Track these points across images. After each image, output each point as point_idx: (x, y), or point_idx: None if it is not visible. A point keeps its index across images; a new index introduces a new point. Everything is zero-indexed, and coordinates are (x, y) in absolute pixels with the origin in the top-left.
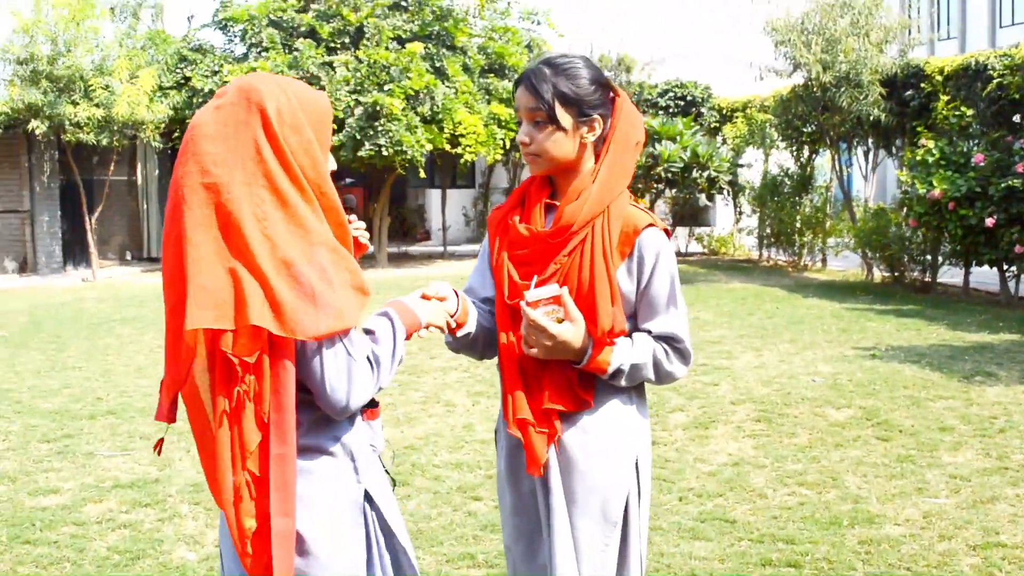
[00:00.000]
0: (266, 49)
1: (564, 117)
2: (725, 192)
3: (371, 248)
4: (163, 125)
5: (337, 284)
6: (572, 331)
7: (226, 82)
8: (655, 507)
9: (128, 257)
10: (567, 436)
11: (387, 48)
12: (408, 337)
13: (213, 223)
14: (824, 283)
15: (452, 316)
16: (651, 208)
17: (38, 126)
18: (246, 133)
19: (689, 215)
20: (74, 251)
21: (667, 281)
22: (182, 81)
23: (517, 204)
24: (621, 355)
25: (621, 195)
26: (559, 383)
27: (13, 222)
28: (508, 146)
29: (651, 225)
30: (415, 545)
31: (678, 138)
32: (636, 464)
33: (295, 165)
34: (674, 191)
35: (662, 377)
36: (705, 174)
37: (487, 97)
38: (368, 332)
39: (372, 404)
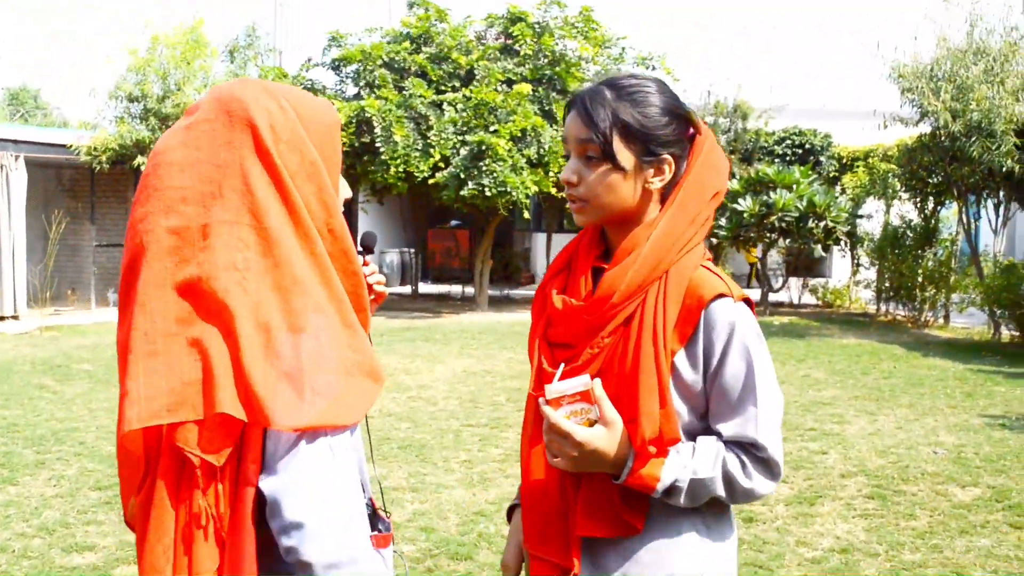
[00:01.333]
0: (379, 87)
1: (624, 154)
2: (842, 243)
3: (387, 294)
4: None
5: (334, 363)
6: (605, 437)
7: None
8: None
9: None
10: (612, 567)
11: (495, 89)
12: None
13: (179, 280)
14: (947, 341)
15: None
16: (763, 258)
17: (143, 163)
18: (228, 156)
19: (803, 266)
20: None
21: (742, 369)
22: None
23: (562, 268)
24: (676, 468)
25: (686, 256)
26: (596, 503)
27: (117, 255)
28: None
29: (721, 295)
30: None
31: (794, 186)
32: None
33: (295, 195)
34: (788, 241)
35: (738, 495)
36: (821, 224)
37: None
38: None
39: (383, 528)
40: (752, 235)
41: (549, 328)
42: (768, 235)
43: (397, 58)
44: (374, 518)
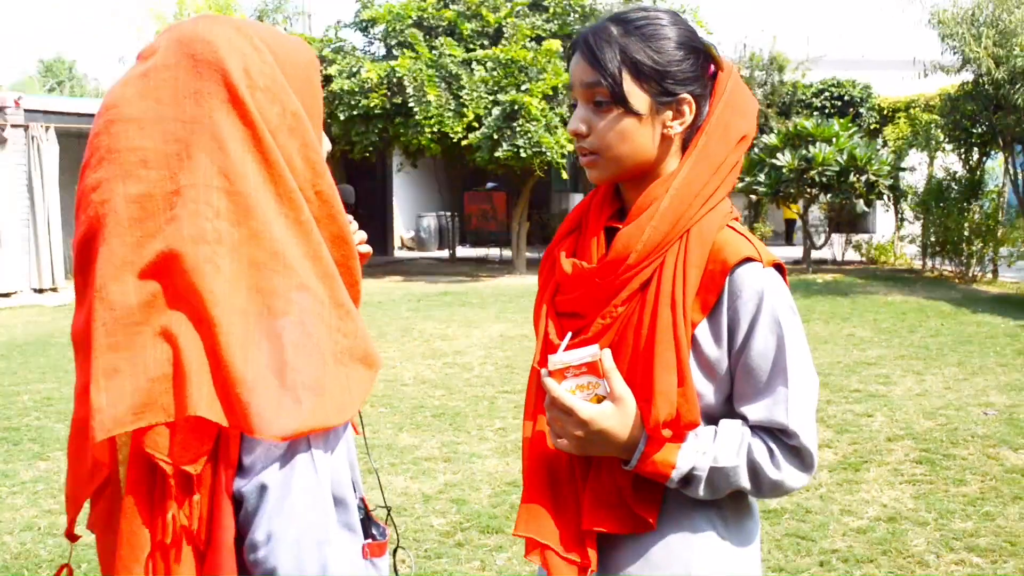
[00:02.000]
0: (410, 47)
1: (637, 96)
2: (885, 197)
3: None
4: None
5: (322, 352)
6: (614, 416)
7: (365, 82)
8: (789, 575)
9: None
10: (621, 566)
11: (524, 47)
12: None
13: (142, 258)
14: (995, 297)
15: None
16: (804, 214)
17: None
18: (195, 110)
19: (846, 221)
20: None
21: (772, 344)
22: (323, 83)
23: (573, 229)
24: (693, 454)
25: (709, 213)
26: (604, 493)
27: None
28: None
29: (749, 259)
30: None
31: (834, 140)
32: None
33: (275, 154)
34: (829, 196)
35: (764, 487)
36: (863, 178)
37: None
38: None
39: (376, 533)
40: (792, 191)
41: (557, 295)
42: (808, 190)
43: (426, 16)
44: (367, 522)
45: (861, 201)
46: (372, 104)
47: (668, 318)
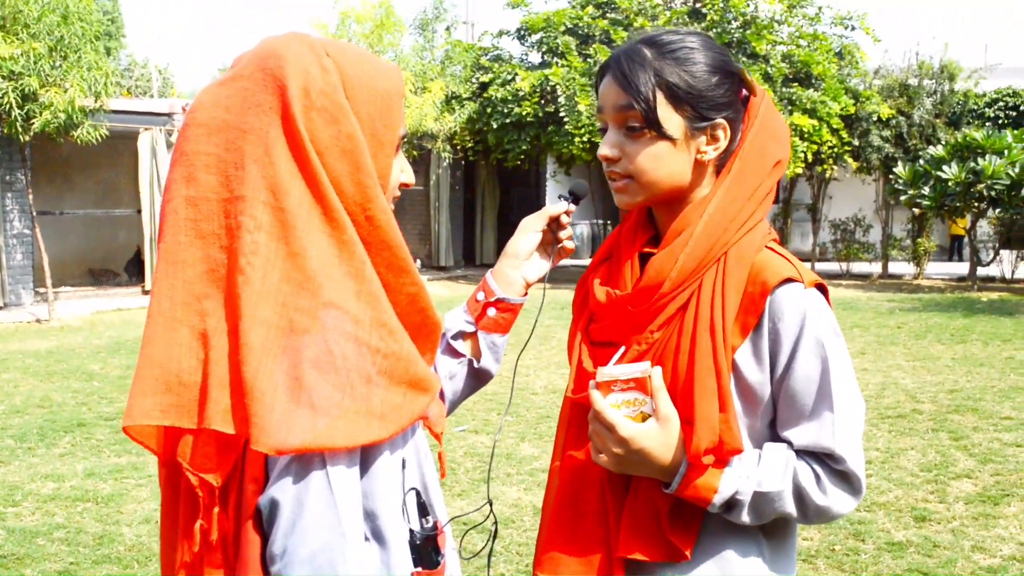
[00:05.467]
0: (562, 55)
1: (672, 121)
2: None
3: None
4: (455, 135)
5: (347, 371)
6: (656, 436)
7: (518, 91)
8: None
9: (418, 265)
10: None
11: None
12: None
13: (194, 259)
14: None
15: None
16: (971, 229)
17: None
18: (256, 121)
19: (1017, 238)
20: None
21: (816, 367)
22: (478, 91)
23: (605, 257)
24: (737, 478)
25: (747, 235)
26: (641, 517)
27: None
28: (810, 159)
29: (790, 280)
30: None
31: (1006, 152)
32: None
33: (320, 174)
34: (999, 211)
35: (810, 513)
36: None
37: (789, 108)
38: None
39: (431, 560)
40: (958, 204)
41: (591, 324)
42: (976, 204)
43: (580, 24)
44: (429, 548)
45: None
46: (524, 112)
47: (707, 343)
